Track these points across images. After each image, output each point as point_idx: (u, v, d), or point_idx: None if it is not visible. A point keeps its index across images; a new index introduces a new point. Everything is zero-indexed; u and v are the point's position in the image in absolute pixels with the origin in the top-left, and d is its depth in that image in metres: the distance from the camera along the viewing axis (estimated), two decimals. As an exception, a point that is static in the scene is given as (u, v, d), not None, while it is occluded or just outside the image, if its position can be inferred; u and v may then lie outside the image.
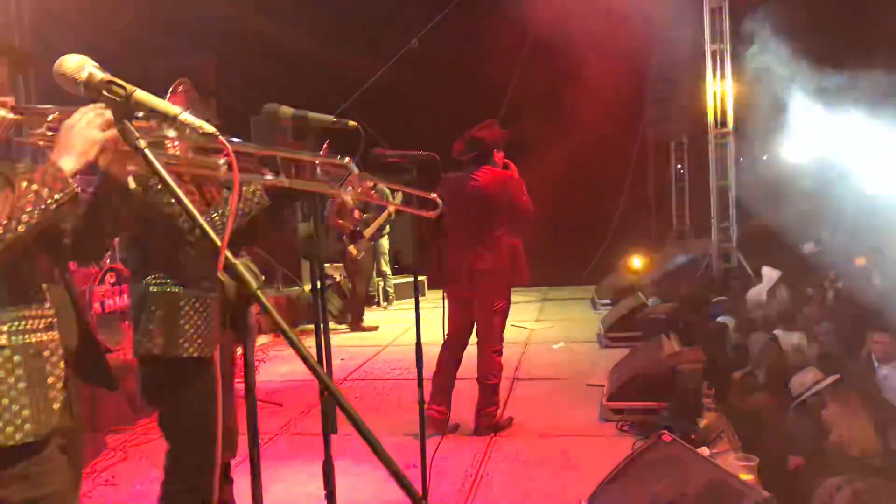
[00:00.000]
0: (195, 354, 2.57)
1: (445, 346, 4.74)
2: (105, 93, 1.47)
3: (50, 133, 1.75)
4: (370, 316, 9.11)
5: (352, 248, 8.32)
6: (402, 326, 8.50)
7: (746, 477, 3.33)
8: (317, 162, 2.12)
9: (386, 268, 9.96)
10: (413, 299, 3.09)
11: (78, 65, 1.50)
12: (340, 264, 10.16)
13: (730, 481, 3.08)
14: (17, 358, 1.75)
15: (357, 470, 3.99)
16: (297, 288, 9.38)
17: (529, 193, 4.65)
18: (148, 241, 2.59)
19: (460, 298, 4.70)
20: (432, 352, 3.35)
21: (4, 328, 1.74)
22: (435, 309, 4.88)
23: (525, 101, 10.69)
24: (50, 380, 1.81)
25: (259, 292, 1.29)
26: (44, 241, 1.81)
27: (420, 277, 9.71)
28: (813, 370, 4.60)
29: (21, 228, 1.62)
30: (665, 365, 4.80)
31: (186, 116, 1.42)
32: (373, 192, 3.27)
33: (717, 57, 9.51)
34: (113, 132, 1.60)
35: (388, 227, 9.80)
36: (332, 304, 8.91)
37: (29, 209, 1.62)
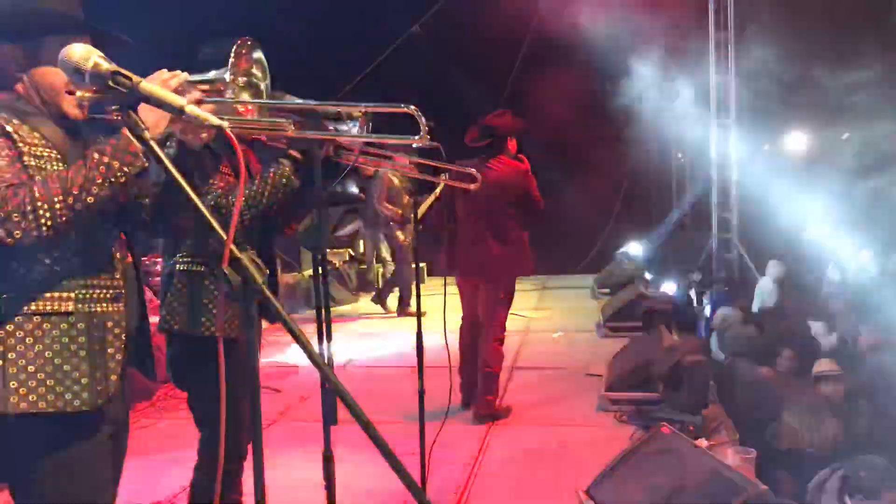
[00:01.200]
0: (217, 334, 2.56)
1: (463, 334, 4.87)
2: (110, 83, 1.46)
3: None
4: (368, 303, 9.11)
5: (399, 234, 8.17)
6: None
7: (744, 470, 3.35)
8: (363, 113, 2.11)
9: (386, 254, 9.95)
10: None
11: (84, 54, 1.50)
12: (342, 250, 10.17)
13: (728, 474, 3.10)
14: (81, 325, 1.78)
15: (356, 458, 3.99)
16: (295, 273, 9.37)
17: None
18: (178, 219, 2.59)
19: (469, 284, 4.78)
20: (432, 339, 3.35)
21: (73, 295, 1.77)
22: (435, 295, 4.87)
23: (522, 86, 10.64)
24: (110, 351, 1.83)
25: (265, 287, 1.29)
26: (120, 213, 1.84)
27: (420, 264, 9.73)
28: (828, 361, 4.67)
29: (90, 199, 1.64)
30: (665, 356, 4.81)
31: (192, 108, 1.42)
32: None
33: (721, 45, 9.47)
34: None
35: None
36: (335, 291, 8.88)
37: (99, 181, 1.64)
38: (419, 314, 3.25)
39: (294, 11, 10.25)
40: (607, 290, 8.98)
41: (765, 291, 7.47)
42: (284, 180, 2.56)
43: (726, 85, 9.43)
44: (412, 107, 1.99)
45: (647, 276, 8.88)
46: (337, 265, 9.32)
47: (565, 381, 5.62)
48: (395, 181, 7.97)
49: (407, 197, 8.10)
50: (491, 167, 4.55)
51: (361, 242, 10.57)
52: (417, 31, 11.06)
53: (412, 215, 8.05)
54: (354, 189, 9.32)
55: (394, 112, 2.00)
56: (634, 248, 10.19)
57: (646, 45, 9.89)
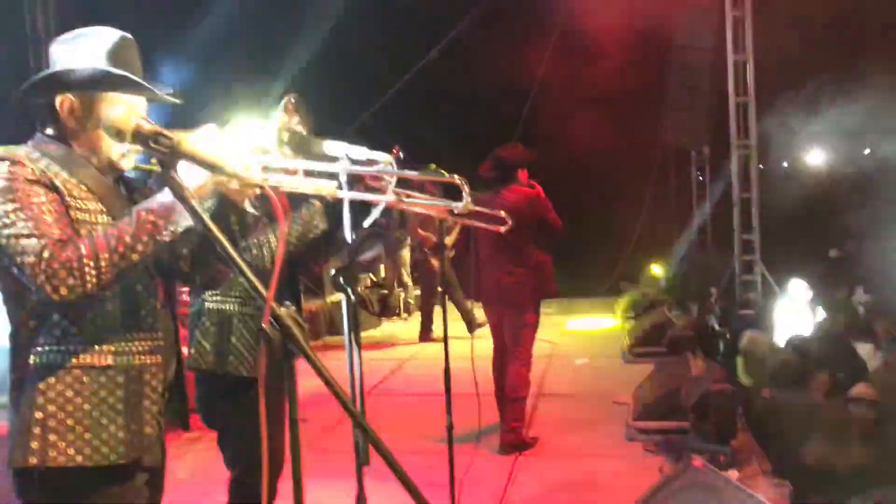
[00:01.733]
0: (244, 373, 2.57)
1: (494, 362, 4.92)
2: (152, 143, 1.49)
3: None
4: (391, 327, 9.13)
5: (434, 261, 8.13)
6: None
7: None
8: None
9: (407, 279, 9.97)
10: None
11: (125, 116, 1.53)
12: (363, 275, 10.20)
13: (763, 509, 3.04)
14: (119, 378, 1.79)
15: (383, 490, 3.98)
16: (319, 300, 9.41)
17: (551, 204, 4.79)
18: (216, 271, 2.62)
19: (494, 313, 4.88)
20: (457, 366, 3.33)
21: (112, 348, 1.79)
22: (457, 322, 4.94)
23: (544, 112, 10.68)
24: (146, 403, 1.85)
25: (306, 345, 1.30)
26: (159, 265, 1.87)
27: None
28: (865, 385, 4.60)
29: (135, 257, 1.66)
30: (692, 384, 4.77)
31: (233, 167, 1.44)
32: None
33: (740, 67, 9.45)
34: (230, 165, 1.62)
35: (408, 238, 9.81)
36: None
37: (144, 239, 1.66)
38: (446, 343, 3.25)
39: (315, 41, 10.42)
40: (631, 315, 8.92)
41: (789, 311, 7.37)
42: (315, 221, 2.59)
43: (744, 63, 9.31)
44: (457, 177, 2.06)
45: (671, 299, 8.82)
46: (359, 290, 9.35)
47: (591, 409, 5.58)
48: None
49: (438, 222, 8.08)
50: (504, 196, 4.67)
51: (383, 267, 10.61)
52: (435, 57, 11.17)
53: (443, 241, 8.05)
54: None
55: (442, 181, 2.04)
56: (657, 271, 10.14)
57: (664, 64, 9.93)
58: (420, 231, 8.06)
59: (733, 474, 3.79)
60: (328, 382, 1.29)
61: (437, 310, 7.73)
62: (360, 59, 10.96)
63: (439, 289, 8.32)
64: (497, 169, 4.79)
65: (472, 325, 8.24)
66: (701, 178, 11.91)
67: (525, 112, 11.00)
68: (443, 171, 2.30)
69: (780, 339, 6.47)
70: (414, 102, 10.66)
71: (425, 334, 8.46)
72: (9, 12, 8.78)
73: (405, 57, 10.95)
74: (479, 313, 6.57)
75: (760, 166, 9.85)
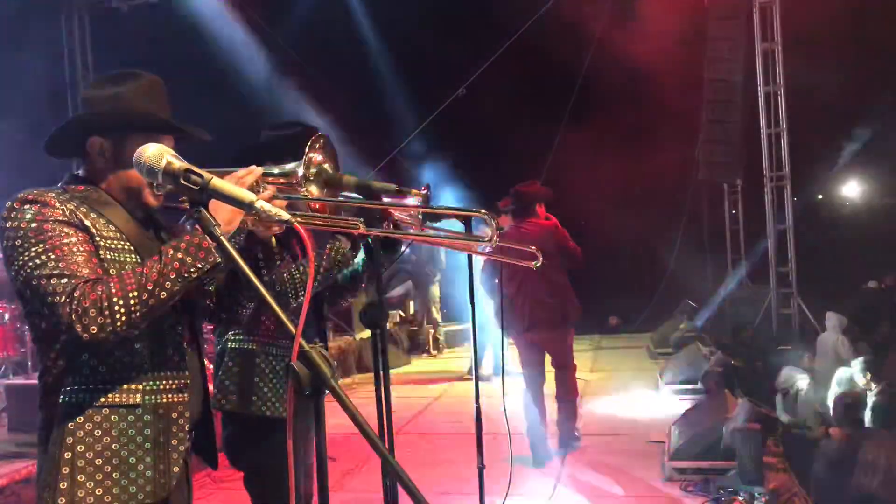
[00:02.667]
0: (268, 414, 2.55)
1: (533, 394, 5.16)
2: (182, 181, 1.50)
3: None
4: (421, 364, 9.06)
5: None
6: (454, 376, 8.43)
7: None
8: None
9: (437, 315, 9.93)
10: (462, 346, 3.06)
11: (157, 153, 1.55)
12: (392, 312, 10.19)
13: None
14: (147, 417, 1.79)
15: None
16: (348, 337, 9.40)
17: (582, 238, 5.24)
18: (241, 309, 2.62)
19: (530, 342, 5.18)
20: (488, 403, 3.26)
21: (140, 387, 1.79)
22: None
23: (575, 146, 10.68)
24: (174, 441, 1.83)
25: (334, 382, 1.27)
26: (185, 303, 1.86)
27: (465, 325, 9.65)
28: None
29: (164, 295, 1.66)
30: (729, 422, 4.63)
31: (262, 205, 1.44)
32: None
33: (771, 99, 9.39)
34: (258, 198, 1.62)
35: (438, 275, 9.79)
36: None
37: (173, 276, 1.66)
38: (477, 381, 3.19)
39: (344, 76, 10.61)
40: (665, 350, 8.76)
41: (830, 346, 7.15)
42: (340, 257, 2.57)
43: (776, 94, 9.23)
44: (483, 211, 2.06)
45: (705, 335, 8.65)
46: (388, 327, 9.34)
47: (627, 447, 5.44)
48: None
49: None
50: (526, 230, 5.05)
51: (411, 304, 10.60)
52: (462, 94, 11.26)
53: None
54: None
55: (468, 214, 2.03)
56: (691, 307, 9.97)
57: (696, 98, 9.89)
58: None
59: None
60: (356, 420, 1.26)
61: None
62: (384, 97, 11.13)
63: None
64: (516, 204, 5.23)
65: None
66: (734, 211, 11.76)
67: (555, 147, 11.02)
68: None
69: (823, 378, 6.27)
70: (439, 138, 10.75)
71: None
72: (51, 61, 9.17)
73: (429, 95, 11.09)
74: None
75: (795, 198, 9.72)
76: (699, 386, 6.48)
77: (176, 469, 1.84)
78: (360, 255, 2.66)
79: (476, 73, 11.03)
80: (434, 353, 10.09)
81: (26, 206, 1.72)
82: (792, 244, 9.36)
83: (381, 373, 2.33)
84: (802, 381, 6.01)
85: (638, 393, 7.18)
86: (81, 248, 1.71)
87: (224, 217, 1.66)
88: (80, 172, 1.89)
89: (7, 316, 5.57)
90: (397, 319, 10.26)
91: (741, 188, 11.06)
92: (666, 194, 10.99)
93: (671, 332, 9.10)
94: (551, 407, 5.32)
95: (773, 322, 9.31)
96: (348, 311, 9.62)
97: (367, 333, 9.69)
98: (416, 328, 10.39)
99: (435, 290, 9.53)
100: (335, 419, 1.43)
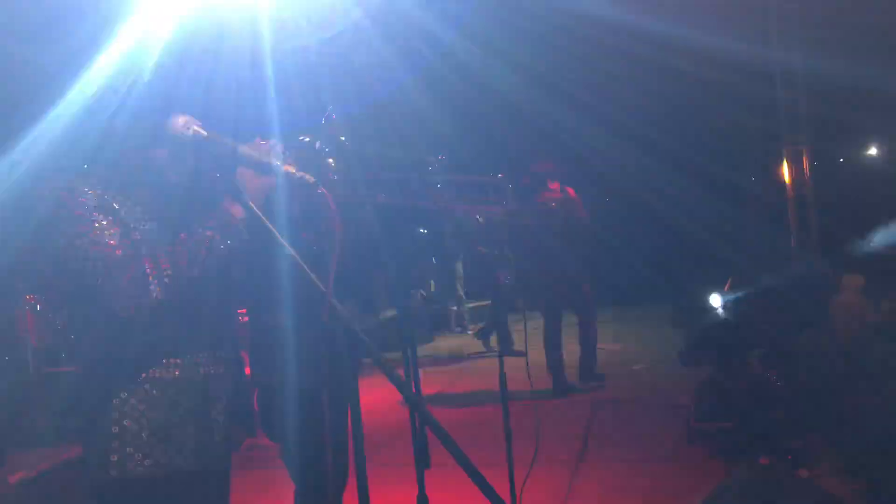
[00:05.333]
0: (304, 385, 2.62)
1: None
2: (210, 149, 1.54)
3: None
4: (444, 342, 9.12)
5: (498, 275, 8.09)
6: (477, 352, 8.50)
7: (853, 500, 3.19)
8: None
9: (461, 292, 9.96)
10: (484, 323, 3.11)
11: (184, 123, 1.60)
12: (414, 290, 10.24)
13: (836, 506, 2.95)
14: (187, 389, 1.86)
15: (443, 499, 3.98)
16: (371, 317, 9.48)
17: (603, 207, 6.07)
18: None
19: (552, 294, 6.14)
20: (511, 376, 3.32)
21: (178, 361, 1.86)
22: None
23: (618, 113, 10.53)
24: (213, 412, 1.91)
25: (365, 337, 1.33)
26: (218, 280, 1.93)
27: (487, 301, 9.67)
28: None
29: (196, 272, 1.73)
30: (751, 384, 4.65)
31: (287, 169, 1.48)
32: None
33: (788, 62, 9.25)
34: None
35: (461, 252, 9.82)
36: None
37: (203, 253, 1.73)
38: (501, 354, 3.25)
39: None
40: (687, 318, 8.74)
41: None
42: (362, 229, 2.65)
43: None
44: (500, 175, 2.10)
45: (724, 300, 8.61)
46: (412, 305, 9.40)
47: (651, 413, 5.49)
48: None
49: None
50: (547, 196, 6.05)
51: (432, 282, 10.65)
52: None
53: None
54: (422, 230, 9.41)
55: (485, 180, 2.08)
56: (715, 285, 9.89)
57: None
58: (482, 249, 7.96)
59: (803, 473, 3.68)
60: (389, 374, 1.31)
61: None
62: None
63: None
64: (534, 181, 6.13)
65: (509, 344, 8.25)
66: (753, 178, 11.67)
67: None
68: None
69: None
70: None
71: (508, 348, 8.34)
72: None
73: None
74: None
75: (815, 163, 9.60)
76: (722, 352, 6.46)
77: (217, 437, 1.92)
78: None
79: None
80: (457, 330, 10.12)
81: (59, 194, 1.78)
82: (812, 209, 9.26)
83: (409, 346, 2.37)
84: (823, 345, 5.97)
85: (661, 361, 7.20)
86: (114, 231, 1.77)
87: (251, 184, 1.71)
88: (107, 155, 1.93)
89: (38, 306, 5.68)
90: (419, 298, 10.33)
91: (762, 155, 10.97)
92: (682, 161, 10.89)
93: (695, 299, 9.05)
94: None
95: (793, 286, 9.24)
96: (370, 291, 9.72)
97: (391, 313, 9.77)
98: (438, 306, 10.44)
99: (459, 267, 9.55)
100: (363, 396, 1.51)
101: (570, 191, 6.18)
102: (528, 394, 3.59)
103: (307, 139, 2.03)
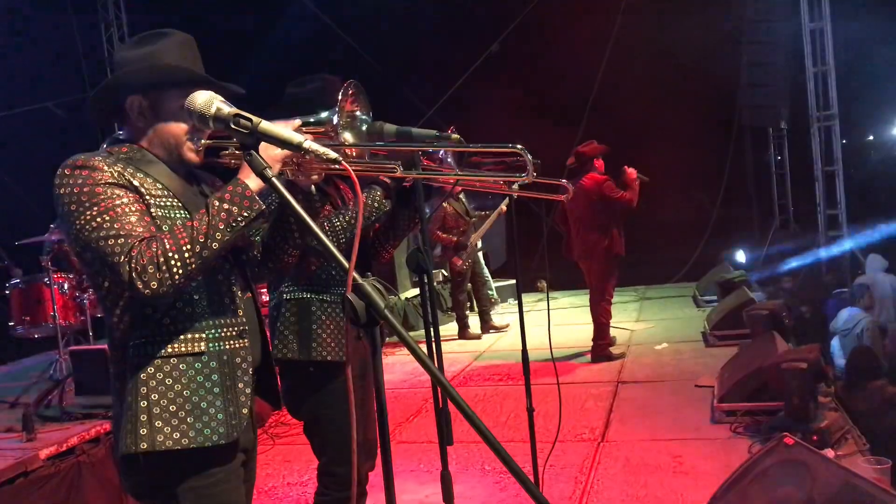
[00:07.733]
0: (329, 358, 2.63)
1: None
2: (232, 125, 1.54)
3: (238, 152, 1.91)
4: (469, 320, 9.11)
5: (456, 260, 8.19)
6: (498, 330, 8.51)
7: (879, 481, 3.15)
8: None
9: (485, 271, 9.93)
10: (509, 302, 3.10)
11: (207, 101, 1.60)
12: (435, 270, 10.23)
13: (863, 486, 2.92)
14: (213, 364, 1.88)
15: (465, 477, 4.00)
16: (392, 297, 9.51)
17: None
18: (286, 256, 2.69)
19: (582, 265, 6.59)
20: (535, 354, 3.31)
21: (203, 335, 1.87)
22: (531, 312, 4.94)
23: (613, 95, 10.50)
24: (240, 385, 1.93)
25: (388, 313, 1.32)
26: (234, 253, 1.95)
27: (511, 281, 9.66)
28: None
29: (215, 245, 1.73)
30: (779, 363, 4.59)
31: (310, 144, 1.48)
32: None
33: (817, 36, 9.07)
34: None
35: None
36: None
37: (222, 227, 1.73)
38: (523, 333, 3.23)
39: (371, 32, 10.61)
40: (711, 298, 8.67)
41: (880, 288, 6.98)
42: (377, 204, 2.64)
43: (821, 30, 8.94)
44: (519, 146, 2.04)
45: (752, 280, 8.53)
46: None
47: (674, 393, 5.45)
48: (450, 208, 7.96)
49: (465, 221, 8.10)
50: (582, 183, 6.31)
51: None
52: (496, 50, 11.15)
53: (475, 238, 8.17)
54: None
55: (501, 152, 2.04)
56: (738, 254, 9.83)
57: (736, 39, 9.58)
58: (439, 234, 8.01)
59: (829, 453, 3.65)
60: (412, 349, 1.30)
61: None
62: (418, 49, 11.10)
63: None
64: (578, 161, 6.40)
65: (486, 325, 8.55)
66: (779, 157, 11.47)
67: (592, 97, 10.86)
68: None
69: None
70: (479, 91, 10.69)
71: (464, 332, 8.47)
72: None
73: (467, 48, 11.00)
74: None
75: (844, 141, 9.44)
76: (747, 331, 6.41)
77: (244, 410, 1.93)
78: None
79: (509, 29, 10.91)
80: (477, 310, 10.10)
81: (76, 172, 1.77)
82: (842, 186, 9.12)
83: (432, 319, 2.37)
84: (863, 322, 5.90)
85: (684, 340, 7.15)
86: (133, 208, 1.77)
87: (273, 160, 1.71)
88: (121, 134, 1.94)
89: (66, 286, 5.75)
90: (440, 278, 10.30)
91: (786, 131, 10.78)
92: (708, 139, 10.76)
93: (717, 278, 8.99)
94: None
95: (823, 266, 9.13)
96: (392, 270, 9.73)
97: (411, 293, 9.77)
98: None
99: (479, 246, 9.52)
100: (386, 374, 1.49)
101: (605, 176, 6.36)
102: (552, 375, 3.57)
103: (324, 115, 2.01)
